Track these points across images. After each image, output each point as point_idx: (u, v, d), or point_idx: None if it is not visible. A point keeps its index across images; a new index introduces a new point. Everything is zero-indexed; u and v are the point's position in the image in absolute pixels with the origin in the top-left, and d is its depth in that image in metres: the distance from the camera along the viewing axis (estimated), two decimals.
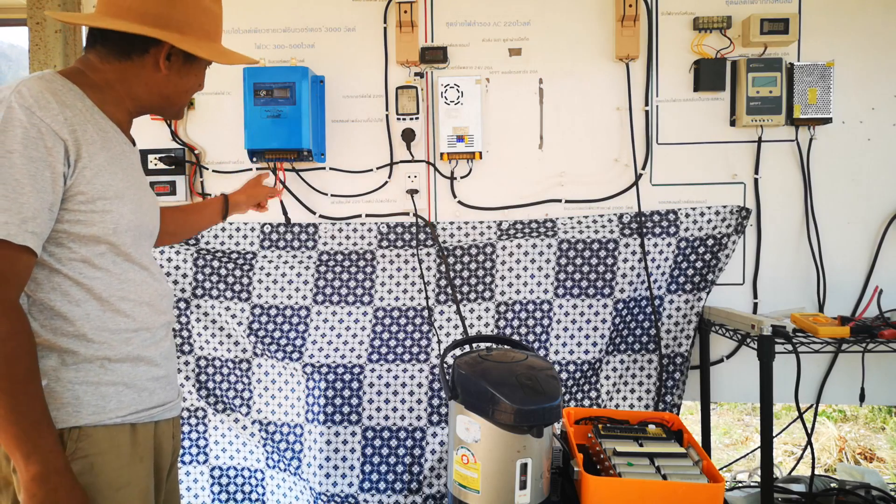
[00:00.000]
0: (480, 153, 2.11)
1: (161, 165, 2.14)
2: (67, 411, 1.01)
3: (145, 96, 1.15)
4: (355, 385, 2.06)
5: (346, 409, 2.05)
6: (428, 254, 2.13)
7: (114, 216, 1.05)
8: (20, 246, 0.93)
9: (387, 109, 2.16)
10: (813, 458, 2.05)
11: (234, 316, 2.09)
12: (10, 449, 0.95)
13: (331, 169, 2.19)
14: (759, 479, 1.91)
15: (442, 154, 2.11)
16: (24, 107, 0.95)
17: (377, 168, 2.18)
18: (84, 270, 1.04)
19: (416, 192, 2.16)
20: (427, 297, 2.11)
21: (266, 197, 1.79)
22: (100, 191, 1.03)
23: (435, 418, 2.06)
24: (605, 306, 2.05)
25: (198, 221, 1.60)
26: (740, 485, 2.36)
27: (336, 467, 2.03)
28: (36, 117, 0.96)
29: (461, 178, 2.16)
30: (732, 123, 2.11)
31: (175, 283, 2.08)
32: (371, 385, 2.06)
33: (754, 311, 2.13)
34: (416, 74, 2.15)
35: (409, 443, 2.06)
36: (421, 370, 2.07)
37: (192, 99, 2.17)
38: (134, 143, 1.22)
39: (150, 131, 2.14)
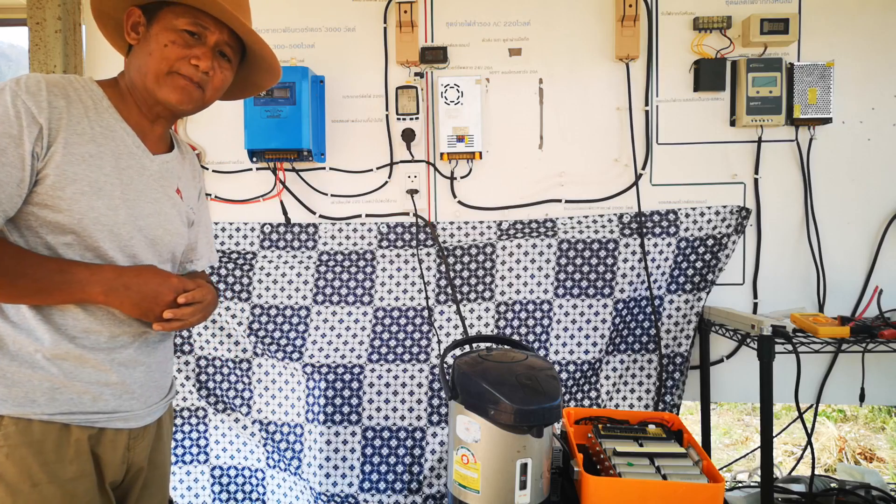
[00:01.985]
0: (480, 153, 2.11)
1: None
2: None
3: (137, 78, 1.13)
4: (355, 385, 2.06)
5: (346, 409, 2.05)
6: (428, 254, 2.13)
7: (82, 206, 1.04)
8: None
9: (387, 109, 2.16)
10: (813, 458, 2.05)
11: (234, 316, 2.09)
12: (75, 299, 1.05)
13: (331, 169, 2.19)
14: (759, 479, 1.91)
15: (442, 154, 2.11)
16: (14, 91, 1.00)
17: (377, 168, 2.18)
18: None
19: (416, 192, 2.16)
20: (427, 297, 2.11)
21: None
22: (70, 179, 1.03)
23: (435, 418, 2.06)
24: (605, 306, 2.05)
25: None
26: (740, 485, 2.36)
27: (336, 467, 2.04)
28: (20, 100, 1.00)
29: (461, 178, 2.16)
30: (732, 123, 2.11)
31: None
32: (371, 385, 2.06)
33: (754, 311, 2.13)
34: (416, 74, 2.15)
35: (409, 443, 2.06)
36: (421, 370, 2.07)
37: None
38: (170, 150, 1.24)
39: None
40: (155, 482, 1.26)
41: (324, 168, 2.19)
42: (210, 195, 2.19)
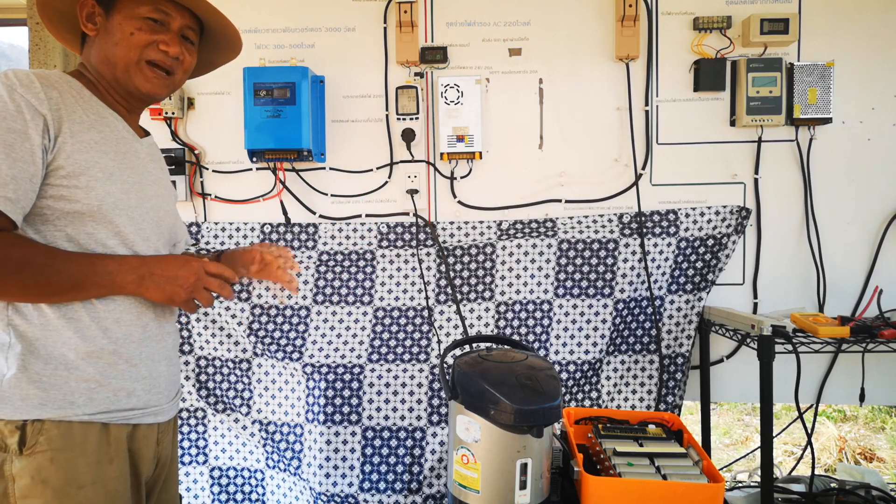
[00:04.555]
0: (480, 153, 2.11)
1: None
2: (32, 403, 1.00)
3: (105, 69, 1.13)
4: (355, 385, 2.06)
5: (346, 409, 2.05)
6: (428, 254, 2.13)
7: (98, 193, 1.04)
8: None
9: (387, 109, 2.16)
10: (813, 458, 2.05)
11: (234, 316, 2.09)
12: (107, 291, 1.06)
13: (331, 169, 2.19)
14: (759, 479, 1.91)
15: (442, 154, 2.11)
16: (7, 86, 0.98)
17: (377, 168, 2.18)
18: (69, 249, 1.04)
19: (416, 192, 2.16)
20: (427, 297, 2.11)
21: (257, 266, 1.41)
22: (83, 167, 1.03)
23: (435, 418, 2.06)
24: (605, 306, 2.05)
25: None
26: (740, 485, 2.36)
27: (336, 467, 2.03)
28: (17, 94, 0.98)
29: (461, 178, 2.16)
30: (732, 123, 2.11)
31: None
32: (371, 385, 2.06)
33: (754, 311, 2.13)
34: (416, 74, 2.15)
35: (409, 443, 2.06)
36: (421, 370, 2.07)
37: (192, 98, 2.17)
38: (147, 134, 1.25)
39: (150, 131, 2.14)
40: (171, 476, 1.28)
41: (324, 168, 2.19)
42: (210, 195, 2.19)
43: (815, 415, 2.19)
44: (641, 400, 2.11)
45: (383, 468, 2.05)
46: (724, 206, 2.08)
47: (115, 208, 1.07)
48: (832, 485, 2.11)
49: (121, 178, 1.09)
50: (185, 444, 2.14)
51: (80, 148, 1.03)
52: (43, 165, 1.00)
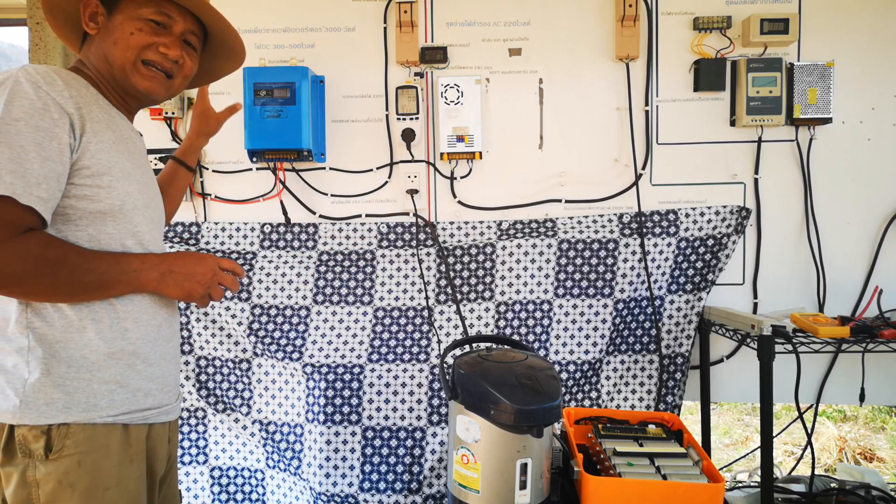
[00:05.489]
0: (480, 153, 2.11)
1: (161, 165, 2.14)
2: (57, 407, 1.00)
3: (103, 68, 1.13)
4: (355, 385, 2.06)
5: (346, 409, 2.05)
6: (428, 254, 2.13)
7: (120, 193, 1.05)
8: (25, 207, 0.94)
9: (387, 109, 2.16)
10: (813, 458, 2.05)
11: (234, 316, 2.09)
12: (131, 289, 1.07)
13: (331, 169, 2.19)
14: (759, 479, 1.91)
15: (442, 154, 2.11)
16: (31, 82, 0.97)
17: (377, 168, 2.18)
18: (90, 249, 1.04)
19: (416, 192, 2.16)
20: (427, 297, 2.11)
21: (220, 123, 1.59)
22: (105, 166, 1.03)
23: (435, 418, 2.06)
24: (605, 306, 2.05)
25: (174, 191, 1.52)
26: (740, 485, 2.36)
27: (336, 467, 2.03)
28: (42, 91, 0.97)
29: (461, 178, 2.16)
30: (732, 123, 2.11)
31: None
32: (371, 385, 2.06)
33: (754, 311, 2.13)
34: (416, 74, 2.15)
35: (409, 443, 2.06)
36: (421, 370, 2.07)
37: (192, 98, 2.17)
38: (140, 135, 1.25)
39: (150, 131, 2.14)
40: (173, 474, 1.30)
41: (324, 168, 2.19)
42: (210, 195, 2.19)
43: (815, 415, 2.19)
44: (641, 400, 2.11)
45: (383, 468, 2.05)
46: (724, 206, 2.08)
47: (134, 208, 1.08)
48: (832, 485, 2.11)
49: (135, 177, 1.10)
50: (185, 444, 2.14)
51: (102, 147, 1.04)
52: (68, 164, 0.99)
